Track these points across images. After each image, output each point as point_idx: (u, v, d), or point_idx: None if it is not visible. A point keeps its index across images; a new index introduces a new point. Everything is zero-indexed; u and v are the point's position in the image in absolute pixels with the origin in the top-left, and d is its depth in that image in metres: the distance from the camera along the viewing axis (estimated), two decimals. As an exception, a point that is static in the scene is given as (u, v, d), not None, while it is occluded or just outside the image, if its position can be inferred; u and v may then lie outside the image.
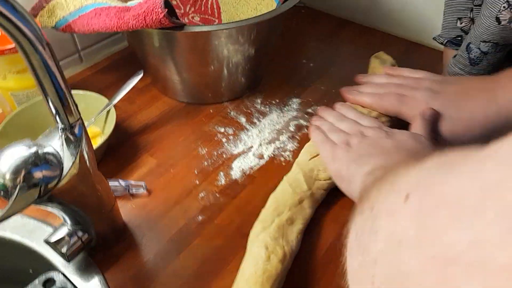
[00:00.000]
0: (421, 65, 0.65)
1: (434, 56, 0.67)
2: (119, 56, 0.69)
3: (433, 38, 0.60)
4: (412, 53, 0.70)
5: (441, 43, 0.59)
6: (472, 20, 0.55)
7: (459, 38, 0.57)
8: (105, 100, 0.53)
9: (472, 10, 0.55)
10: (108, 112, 0.52)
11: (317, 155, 0.45)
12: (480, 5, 0.52)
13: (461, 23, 0.56)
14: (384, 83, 0.53)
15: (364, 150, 0.41)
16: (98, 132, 0.53)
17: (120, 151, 0.52)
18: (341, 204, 0.45)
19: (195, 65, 0.55)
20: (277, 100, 0.59)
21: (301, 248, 0.39)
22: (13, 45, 0.48)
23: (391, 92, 0.50)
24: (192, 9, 0.68)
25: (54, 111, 0.31)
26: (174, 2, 0.67)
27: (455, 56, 0.56)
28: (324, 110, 0.52)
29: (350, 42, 0.73)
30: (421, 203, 0.15)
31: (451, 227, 0.13)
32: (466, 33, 0.56)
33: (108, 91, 0.58)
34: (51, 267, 0.42)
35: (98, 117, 0.52)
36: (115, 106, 0.52)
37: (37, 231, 0.43)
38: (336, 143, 0.44)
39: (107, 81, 0.64)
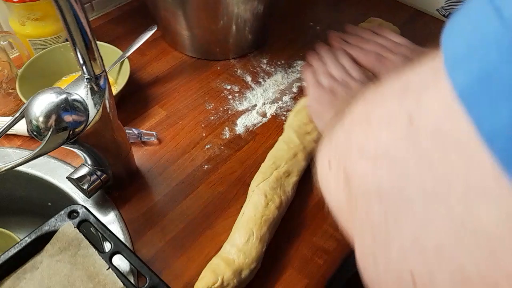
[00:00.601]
0: (425, 34, 0.67)
1: (438, 26, 0.69)
2: (130, 7, 0.71)
3: (436, 9, 0.62)
4: (416, 21, 0.71)
5: (443, 15, 0.61)
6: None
7: (462, 11, 0.59)
8: (118, 52, 0.55)
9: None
10: (121, 63, 0.55)
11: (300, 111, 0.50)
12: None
13: (465, -4, 0.58)
14: (369, 40, 0.57)
15: (346, 100, 0.45)
16: (111, 81, 0.56)
17: (132, 101, 0.55)
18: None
19: (205, 20, 0.57)
20: (283, 61, 0.62)
21: (295, 197, 0.44)
22: (32, -8, 0.49)
23: (372, 51, 0.54)
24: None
25: (81, 61, 0.34)
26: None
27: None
28: (324, 49, 0.55)
29: (356, 6, 0.74)
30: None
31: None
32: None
33: (118, 42, 0.60)
34: (70, 201, 0.47)
35: (112, 67, 0.54)
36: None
37: (58, 169, 0.48)
38: (324, 88, 0.49)
39: (118, 32, 0.66)
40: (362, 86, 0.48)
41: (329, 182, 0.21)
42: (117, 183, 0.45)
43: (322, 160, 0.22)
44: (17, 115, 0.36)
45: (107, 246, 0.40)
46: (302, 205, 0.45)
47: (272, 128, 0.53)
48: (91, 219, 0.35)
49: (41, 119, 0.33)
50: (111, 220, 0.43)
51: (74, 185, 0.43)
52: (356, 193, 0.17)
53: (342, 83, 0.49)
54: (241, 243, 0.37)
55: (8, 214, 0.54)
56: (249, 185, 0.44)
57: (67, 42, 0.56)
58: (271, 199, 0.40)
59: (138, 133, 0.50)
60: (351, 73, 0.51)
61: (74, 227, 0.35)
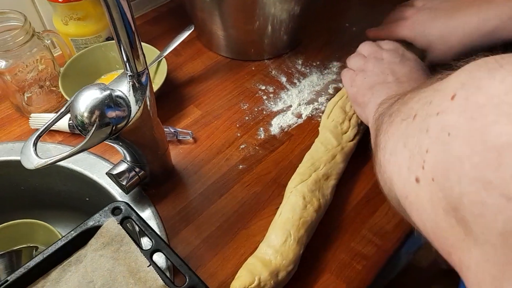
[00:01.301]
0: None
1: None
2: (166, 9, 0.72)
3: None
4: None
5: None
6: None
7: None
8: (156, 51, 0.56)
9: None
10: (158, 63, 0.55)
11: (331, 111, 0.50)
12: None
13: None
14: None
15: (378, 78, 0.44)
16: (148, 81, 0.57)
17: (168, 100, 0.56)
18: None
19: (241, 21, 0.57)
20: (318, 63, 0.61)
21: (333, 200, 0.43)
22: (77, -7, 0.51)
23: (398, 21, 0.54)
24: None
25: (125, 58, 0.35)
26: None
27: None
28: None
29: (393, 7, 0.72)
30: (468, 100, 0.17)
31: (498, 122, 0.15)
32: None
33: (155, 42, 0.61)
34: (107, 197, 0.47)
35: (149, 67, 0.55)
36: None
37: (97, 165, 0.49)
38: (355, 70, 0.48)
39: (155, 33, 0.67)
40: (395, 56, 0.47)
41: (419, 198, 0.18)
42: (154, 180, 0.45)
43: (399, 168, 0.20)
44: (62, 110, 0.37)
45: (145, 243, 0.40)
46: (339, 208, 0.44)
47: (308, 129, 0.52)
48: (134, 216, 0.36)
49: (85, 114, 0.34)
50: (148, 217, 0.44)
51: (113, 181, 0.44)
52: (478, 228, 0.15)
53: (371, 57, 0.48)
54: (278, 244, 0.36)
55: (48, 208, 0.56)
56: (284, 186, 0.43)
57: (107, 42, 0.57)
58: (309, 202, 0.39)
59: (174, 131, 0.50)
60: (382, 45, 0.50)
61: (118, 223, 0.35)
